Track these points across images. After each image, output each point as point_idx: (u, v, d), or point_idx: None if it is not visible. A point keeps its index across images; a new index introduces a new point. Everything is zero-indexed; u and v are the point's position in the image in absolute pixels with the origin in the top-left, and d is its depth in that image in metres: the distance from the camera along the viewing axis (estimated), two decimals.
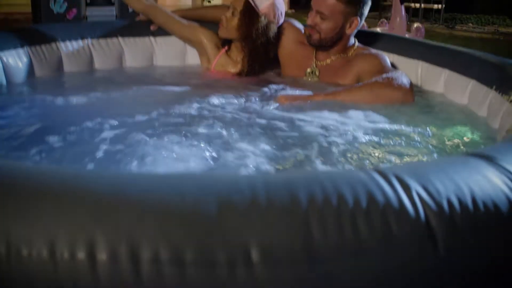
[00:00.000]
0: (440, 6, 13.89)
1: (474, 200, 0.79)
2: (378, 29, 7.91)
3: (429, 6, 14.15)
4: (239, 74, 2.40)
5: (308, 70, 2.33)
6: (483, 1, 17.61)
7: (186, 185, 0.75)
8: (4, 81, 2.13)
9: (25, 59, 2.24)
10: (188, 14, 2.64)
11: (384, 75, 1.97)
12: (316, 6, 2.19)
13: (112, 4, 3.26)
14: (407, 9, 13.67)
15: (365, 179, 0.78)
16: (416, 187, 0.77)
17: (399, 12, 7.37)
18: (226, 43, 2.47)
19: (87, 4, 3.09)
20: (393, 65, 2.29)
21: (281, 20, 2.39)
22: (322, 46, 2.26)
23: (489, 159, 0.91)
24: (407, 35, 7.53)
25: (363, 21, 2.25)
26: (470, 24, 14.75)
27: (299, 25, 2.48)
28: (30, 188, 0.70)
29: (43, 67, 2.31)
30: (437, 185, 0.79)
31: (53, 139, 1.44)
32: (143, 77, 2.41)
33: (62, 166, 1.19)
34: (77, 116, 1.76)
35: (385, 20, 8.31)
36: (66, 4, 3.03)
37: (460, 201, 0.77)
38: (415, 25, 7.89)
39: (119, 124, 1.57)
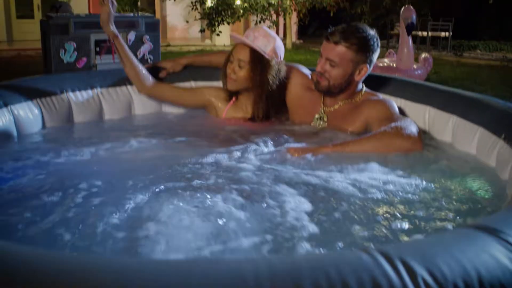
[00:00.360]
0: (447, 33, 13.95)
1: (481, 284, 0.78)
2: (386, 60, 7.95)
3: (436, 34, 14.22)
4: (252, 119, 2.41)
5: (316, 116, 2.33)
6: (490, 27, 17.66)
7: (191, 275, 0.76)
8: (15, 133, 2.16)
9: (36, 111, 2.27)
10: (196, 61, 2.68)
11: (393, 124, 1.97)
12: (326, 54, 2.21)
13: None
14: (415, 38, 13.77)
15: (370, 264, 0.78)
16: (421, 272, 0.77)
17: (407, 43, 7.41)
18: (233, 94, 2.47)
19: (96, 53, 3.15)
20: (400, 110, 2.29)
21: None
22: (330, 92, 2.27)
23: (495, 234, 0.91)
24: (415, 66, 7.57)
25: (371, 68, 2.26)
26: (478, 51, 14.79)
27: (306, 71, 2.49)
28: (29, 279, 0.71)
29: (54, 118, 2.34)
30: (443, 269, 0.78)
31: (59, 202, 1.45)
32: (153, 126, 2.43)
33: (63, 252, 1.18)
34: (83, 174, 1.76)
35: (393, 51, 8.34)
36: (76, 53, 3.09)
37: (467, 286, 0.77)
38: (423, 55, 7.92)
39: (126, 184, 1.58)
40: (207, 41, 14.73)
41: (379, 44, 2.23)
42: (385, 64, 7.66)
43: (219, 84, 2.53)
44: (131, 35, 3.33)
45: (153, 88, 2.50)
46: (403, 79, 2.50)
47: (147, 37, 3.42)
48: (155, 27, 3.41)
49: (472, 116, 2.02)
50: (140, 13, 13.43)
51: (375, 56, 2.23)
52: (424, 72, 7.57)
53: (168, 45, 13.53)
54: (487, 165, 1.82)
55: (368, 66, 2.20)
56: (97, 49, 3.17)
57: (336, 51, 2.17)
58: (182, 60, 2.69)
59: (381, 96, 2.28)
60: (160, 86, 2.53)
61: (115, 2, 2.32)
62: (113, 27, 2.32)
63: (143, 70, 2.45)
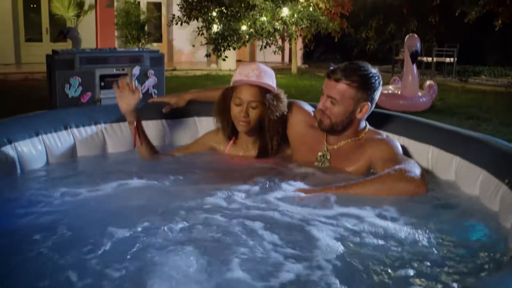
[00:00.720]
0: (452, 59, 14.00)
1: None
2: (391, 87, 7.98)
3: (441, 59, 14.26)
4: (260, 155, 2.40)
5: (319, 153, 2.32)
6: (494, 52, 17.71)
7: None
8: (18, 170, 2.16)
9: (39, 147, 2.28)
10: (200, 96, 2.69)
11: (397, 166, 1.96)
12: (327, 91, 2.21)
13: None
14: (420, 63, 13.83)
15: None
16: None
17: (411, 71, 7.45)
18: (233, 134, 2.46)
19: (101, 88, 3.18)
20: (403, 148, 2.28)
21: None
22: (333, 130, 2.26)
23: None
24: (420, 93, 7.59)
25: (373, 106, 2.26)
26: (483, 76, 14.81)
27: (308, 107, 2.48)
28: None
29: (57, 153, 2.35)
30: None
31: (58, 244, 1.47)
32: (155, 163, 2.43)
33: None
34: (85, 212, 1.79)
35: (398, 78, 8.38)
36: (81, 88, 3.11)
37: None
38: (428, 82, 7.95)
39: (127, 227, 1.57)
40: (213, 66, 14.83)
41: (381, 82, 2.23)
42: (390, 91, 7.69)
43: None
44: (136, 70, 3.36)
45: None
46: (406, 117, 2.49)
47: (152, 71, 3.45)
48: (159, 62, 3.44)
49: (475, 157, 2.00)
50: (145, 47, 13.64)
51: (377, 94, 2.23)
52: (429, 99, 7.59)
53: (174, 69, 13.63)
54: (490, 210, 1.80)
55: (369, 104, 2.20)
56: (102, 83, 3.20)
57: (337, 89, 2.17)
58: (186, 95, 2.70)
59: (385, 134, 2.28)
60: (168, 157, 2.50)
61: (140, 88, 2.34)
62: (137, 112, 2.37)
63: (155, 149, 2.48)
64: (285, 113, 2.37)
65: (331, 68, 2.22)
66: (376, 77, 2.21)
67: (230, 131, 2.43)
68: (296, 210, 1.75)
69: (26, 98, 7.89)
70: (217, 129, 2.48)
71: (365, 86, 2.17)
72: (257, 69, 2.32)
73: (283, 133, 2.42)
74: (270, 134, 2.38)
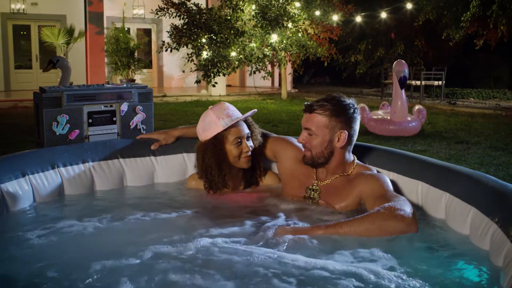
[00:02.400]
0: (440, 82, 14.16)
1: None
2: (380, 112, 8.01)
3: (429, 83, 14.43)
4: (249, 185, 2.48)
5: (309, 189, 2.32)
6: (481, 75, 17.95)
7: None
8: (3, 210, 2.13)
9: (26, 187, 2.25)
10: (188, 133, 2.68)
11: (387, 204, 1.94)
12: (304, 124, 2.25)
13: (114, 122, 3.32)
14: (409, 87, 13.97)
15: None
16: None
17: (400, 96, 7.48)
18: (224, 185, 2.45)
19: (89, 124, 3.15)
20: (393, 183, 2.27)
21: None
22: (316, 163, 2.26)
23: None
24: (409, 118, 7.62)
25: (354, 137, 2.26)
26: (471, 99, 14.97)
27: (298, 143, 2.49)
28: None
29: (44, 193, 2.32)
30: None
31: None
32: (143, 200, 2.43)
33: None
34: (70, 252, 1.79)
35: (387, 103, 8.42)
36: (68, 125, 3.09)
37: None
38: (417, 107, 7.98)
39: (111, 265, 1.59)
40: (203, 91, 14.87)
41: (357, 111, 2.24)
42: (380, 117, 7.72)
43: None
44: (124, 106, 3.35)
45: None
46: (395, 151, 2.49)
47: (140, 107, 3.45)
48: (148, 97, 3.43)
49: (465, 195, 2.00)
50: (134, 75, 13.66)
51: (355, 123, 2.23)
52: (418, 124, 7.62)
53: (164, 96, 13.65)
54: (481, 249, 1.79)
55: (346, 132, 2.20)
56: (90, 120, 3.18)
57: (312, 120, 2.21)
58: (174, 132, 2.69)
59: (374, 170, 2.28)
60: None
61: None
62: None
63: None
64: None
65: (306, 104, 2.25)
66: (351, 105, 2.22)
67: (223, 181, 2.39)
68: (283, 251, 1.73)
69: (14, 127, 7.86)
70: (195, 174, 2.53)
71: (338, 113, 2.19)
72: (229, 106, 2.40)
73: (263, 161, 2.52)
74: (258, 161, 2.46)
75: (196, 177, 2.52)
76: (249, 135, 2.39)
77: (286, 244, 1.80)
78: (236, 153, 2.34)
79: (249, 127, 2.41)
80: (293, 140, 2.51)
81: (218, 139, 2.35)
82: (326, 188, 2.29)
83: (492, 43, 14.34)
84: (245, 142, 2.36)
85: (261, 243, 1.81)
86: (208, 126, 2.36)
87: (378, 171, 2.31)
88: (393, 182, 2.29)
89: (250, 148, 2.36)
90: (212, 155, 2.35)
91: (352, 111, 2.21)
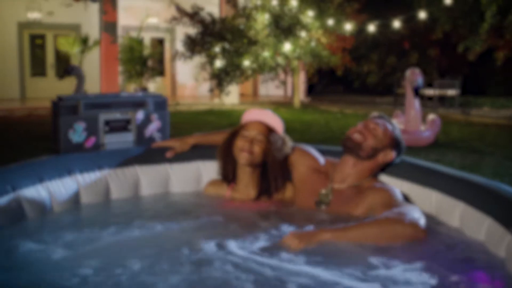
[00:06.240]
0: (454, 91, 14.08)
1: None
2: (394, 121, 7.99)
3: (443, 92, 14.36)
4: (258, 197, 2.45)
5: (323, 191, 2.33)
6: (496, 84, 17.83)
7: None
8: (22, 217, 2.16)
9: (43, 194, 2.28)
10: (203, 140, 2.71)
11: (395, 209, 1.97)
12: (372, 120, 2.42)
13: (130, 130, 3.38)
14: (422, 97, 13.92)
15: None
16: None
17: (413, 106, 7.46)
18: (231, 179, 2.52)
19: (105, 132, 3.20)
20: (405, 196, 2.29)
21: None
22: (358, 151, 2.30)
23: None
24: (422, 127, 7.59)
25: (388, 167, 2.44)
26: (486, 108, 14.86)
27: (314, 152, 2.51)
28: None
29: (61, 200, 2.34)
30: None
31: None
32: (158, 208, 2.45)
33: None
34: (88, 261, 1.79)
35: (400, 112, 8.38)
36: (85, 133, 3.14)
37: None
38: (430, 117, 7.94)
39: (129, 274, 1.61)
40: (216, 100, 14.93)
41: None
42: None
43: None
44: (140, 114, 3.39)
45: None
46: (409, 160, 2.49)
47: (156, 115, 3.49)
48: (163, 106, 3.48)
49: (480, 204, 1.99)
50: (147, 83, 13.74)
51: (399, 157, 2.43)
52: (432, 134, 7.57)
53: (178, 104, 13.72)
54: (497, 257, 1.77)
55: (394, 155, 2.38)
56: (106, 128, 3.23)
57: (381, 123, 2.39)
58: (189, 139, 2.71)
59: (385, 184, 2.31)
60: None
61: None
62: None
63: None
64: (288, 155, 2.45)
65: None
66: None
67: (231, 172, 2.49)
68: (291, 257, 1.74)
69: (30, 135, 7.96)
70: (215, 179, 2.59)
71: (399, 140, 2.41)
72: (269, 113, 2.47)
73: (286, 176, 2.47)
74: (274, 175, 2.44)
75: (214, 183, 2.58)
76: (258, 137, 2.39)
77: (293, 253, 1.80)
78: (238, 145, 2.41)
79: (271, 139, 2.40)
80: (311, 149, 2.53)
81: (235, 131, 2.48)
82: (338, 194, 2.31)
83: (507, 53, 14.23)
84: (243, 140, 2.39)
85: (268, 250, 1.82)
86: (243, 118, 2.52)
87: (388, 184, 2.32)
88: (405, 194, 2.31)
89: (248, 146, 2.37)
90: (225, 142, 2.49)
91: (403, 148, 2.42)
